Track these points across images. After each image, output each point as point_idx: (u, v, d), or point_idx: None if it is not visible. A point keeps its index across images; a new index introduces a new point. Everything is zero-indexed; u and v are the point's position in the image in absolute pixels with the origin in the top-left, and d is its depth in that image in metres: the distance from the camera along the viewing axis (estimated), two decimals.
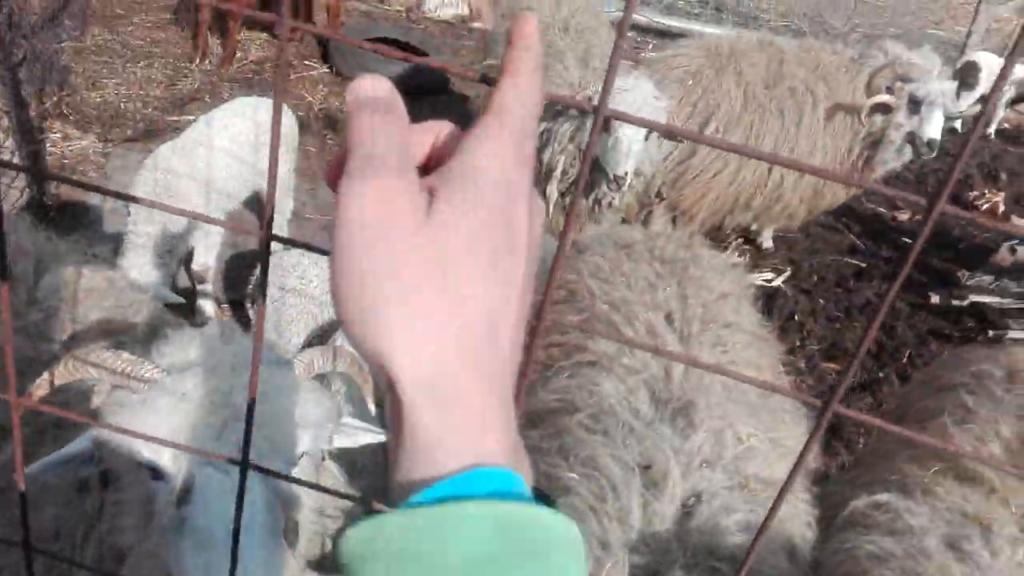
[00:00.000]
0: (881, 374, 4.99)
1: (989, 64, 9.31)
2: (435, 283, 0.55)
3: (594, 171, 4.42)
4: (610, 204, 4.54)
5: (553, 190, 4.53)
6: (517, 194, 0.61)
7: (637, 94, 4.22)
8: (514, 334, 0.61)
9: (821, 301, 5.73)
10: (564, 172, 4.50)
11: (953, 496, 2.29)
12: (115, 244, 4.41)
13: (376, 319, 0.55)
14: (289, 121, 4.63)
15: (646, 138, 4.27)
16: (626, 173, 4.17)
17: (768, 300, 5.64)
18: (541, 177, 4.60)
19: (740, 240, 6.36)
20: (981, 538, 2.12)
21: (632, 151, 4.18)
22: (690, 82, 5.15)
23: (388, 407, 0.59)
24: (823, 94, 5.26)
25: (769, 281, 5.85)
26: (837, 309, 5.67)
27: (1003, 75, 0.62)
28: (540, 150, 4.57)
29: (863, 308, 5.71)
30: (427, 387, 0.55)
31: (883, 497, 2.38)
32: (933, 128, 5.02)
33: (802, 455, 0.78)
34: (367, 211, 0.55)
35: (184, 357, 1.57)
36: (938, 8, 15.34)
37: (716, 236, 6.09)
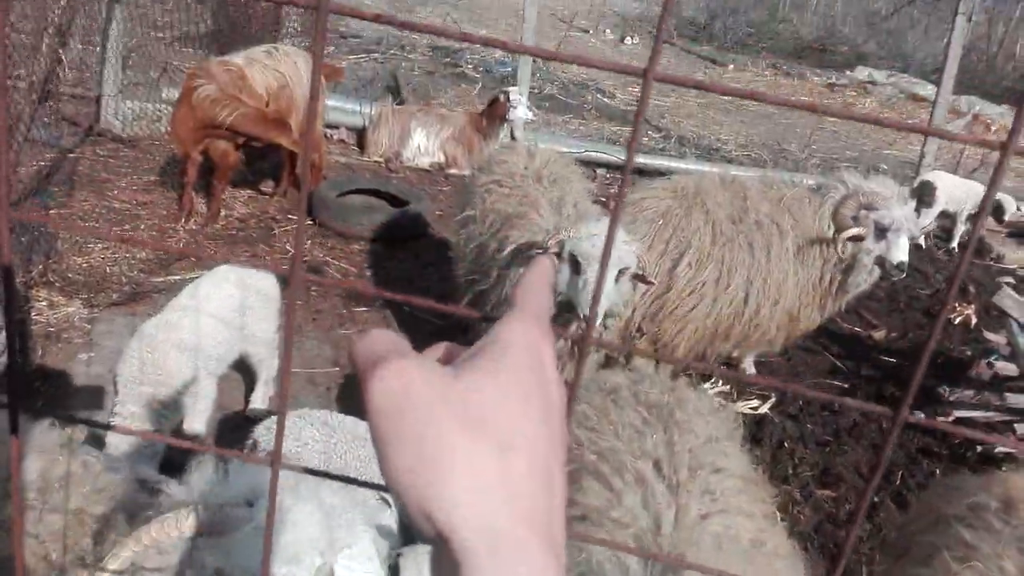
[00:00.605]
0: (876, 498, 4.96)
1: (943, 182, 9.75)
2: (477, 434, 0.56)
3: (567, 312, 4.52)
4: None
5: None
6: (544, 359, 0.65)
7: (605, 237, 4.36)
8: (562, 475, 0.62)
9: (809, 426, 5.75)
10: None
11: None
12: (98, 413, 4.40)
13: (426, 477, 0.55)
14: (270, 283, 4.73)
15: (616, 280, 4.39)
16: (595, 314, 4.24)
17: (756, 428, 5.65)
18: None
19: (723, 368, 6.43)
20: None
21: (601, 295, 4.27)
22: (660, 222, 5.35)
23: (436, 567, 0.57)
24: (789, 225, 5.48)
25: (755, 408, 5.89)
26: (826, 433, 5.69)
27: (983, 206, 0.70)
28: None
29: (851, 430, 5.73)
30: (486, 540, 0.53)
31: None
32: (900, 252, 5.21)
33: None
34: (392, 383, 0.57)
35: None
36: (891, 131, 16.15)
37: (698, 366, 6.17)
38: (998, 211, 10.59)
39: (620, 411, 3.00)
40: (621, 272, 4.45)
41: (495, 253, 4.93)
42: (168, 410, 3.93)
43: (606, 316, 4.49)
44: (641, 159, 11.28)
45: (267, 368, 4.80)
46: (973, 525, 2.72)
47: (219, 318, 4.29)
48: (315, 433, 3.49)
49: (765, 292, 5.50)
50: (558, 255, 4.50)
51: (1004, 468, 4.85)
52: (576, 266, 4.42)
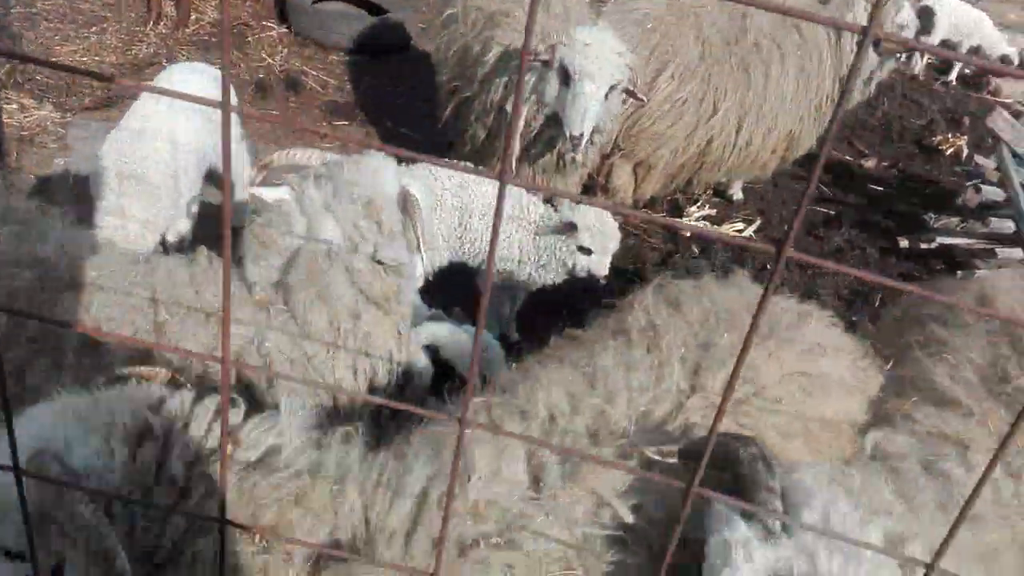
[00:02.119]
0: (855, 319, 5.04)
1: (945, 8, 9.37)
2: None
3: (554, 128, 4.38)
4: (572, 161, 4.51)
5: (516, 142, 4.48)
6: None
7: (600, 48, 4.15)
8: None
9: (792, 249, 5.75)
10: (527, 125, 4.44)
11: (932, 420, 2.33)
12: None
13: None
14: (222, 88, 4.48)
15: (606, 96, 4.21)
16: (582, 133, 4.12)
17: (740, 251, 5.66)
18: (503, 128, 4.54)
19: (710, 193, 6.37)
20: (957, 457, 2.16)
21: (590, 110, 4.11)
22: (649, 25, 5.04)
23: None
24: (794, 44, 5.24)
25: (740, 231, 5.88)
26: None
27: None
28: (502, 101, 4.51)
29: (834, 255, 5.77)
30: None
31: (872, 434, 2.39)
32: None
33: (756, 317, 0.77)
34: None
35: None
36: None
37: (686, 192, 6.10)
38: (1004, 62, 10.22)
39: None
40: (612, 88, 4.27)
41: (479, 56, 4.69)
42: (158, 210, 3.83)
43: (593, 133, 4.35)
44: None
45: (242, 174, 4.67)
46: (947, 322, 2.75)
47: (195, 114, 4.12)
48: None
49: (759, 119, 5.32)
50: (546, 63, 4.29)
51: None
52: (566, 78, 4.21)
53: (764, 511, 1.53)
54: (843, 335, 2.56)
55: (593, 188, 5.56)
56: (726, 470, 1.68)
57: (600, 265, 4.00)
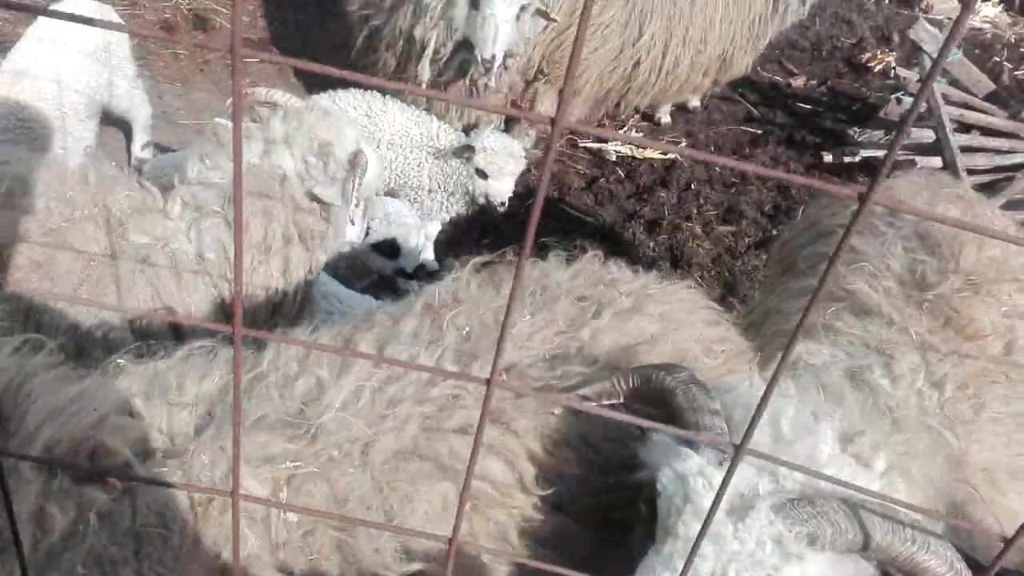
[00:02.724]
0: (775, 231, 5.05)
1: None
2: None
3: (466, 52, 4.22)
4: (485, 86, 4.37)
5: (425, 69, 4.32)
6: None
7: None
8: None
9: (718, 170, 5.73)
10: (436, 51, 4.28)
11: (854, 330, 2.27)
12: None
13: None
14: (115, 18, 4.21)
15: (517, 17, 4.07)
16: (493, 56, 3.98)
17: (665, 172, 5.61)
18: (414, 55, 4.37)
19: (637, 117, 6.28)
20: (882, 366, 2.07)
21: (501, 32, 3.98)
22: None
23: None
24: None
25: (664, 154, 5.81)
26: (734, 175, 5.69)
27: None
28: (412, 27, 4.33)
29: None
30: None
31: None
32: None
33: None
34: None
35: None
36: None
37: (614, 115, 6.00)
38: None
39: None
40: (522, 8, 4.12)
41: None
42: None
43: (506, 57, 4.21)
44: None
45: (140, 114, 4.44)
46: (859, 231, 2.71)
47: (82, 54, 3.86)
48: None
49: (687, 42, 5.23)
50: None
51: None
52: (475, 0, 4.06)
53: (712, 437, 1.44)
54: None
55: (513, 118, 5.43)
56: (659, 405, 1.61)
57: (496, 190, 3.89)
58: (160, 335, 2.56)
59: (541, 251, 2.23)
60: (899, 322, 2.09)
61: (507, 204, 4.04)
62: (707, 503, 1.34)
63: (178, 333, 2.59)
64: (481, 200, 3.97)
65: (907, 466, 1.43)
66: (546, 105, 5.36)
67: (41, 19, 4.01)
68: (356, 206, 2.95)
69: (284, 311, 2.70)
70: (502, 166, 3.81)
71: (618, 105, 5.75)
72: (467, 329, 1.79)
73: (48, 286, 2.41)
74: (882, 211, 2.76)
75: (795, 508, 1.29)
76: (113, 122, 4.55)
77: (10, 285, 2.34)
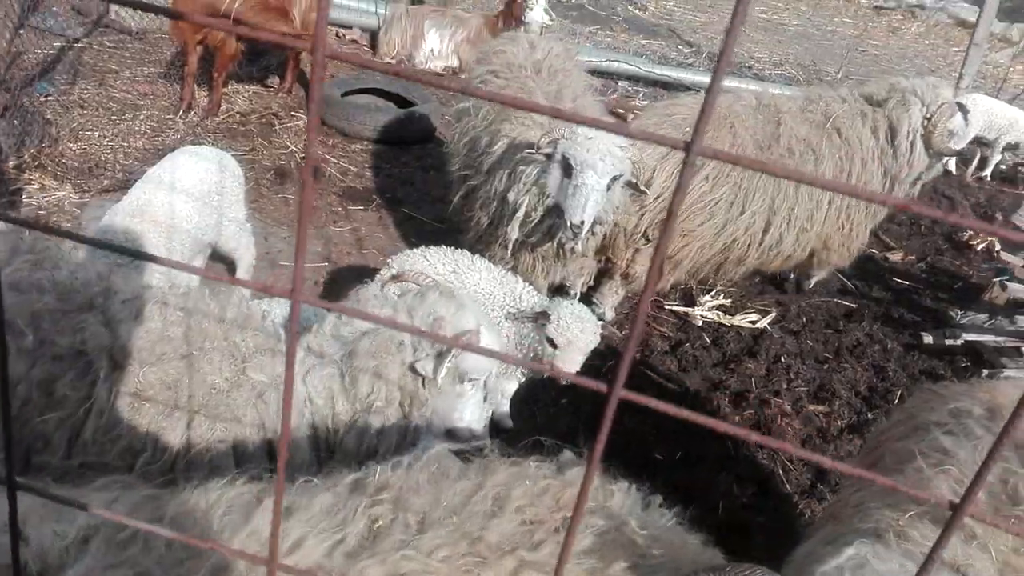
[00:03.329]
0: (871, 415, 4.81)
1: (979, 106, 9.26)
2: None
3: (555, 217, 4.35)
4: (572, 250, 4.46)
5: (514, 230, 4.45)
6: None
7: (602, 142, 4.17)
8: None
9: (809, 343, 5.57)
10: (527, 215, 4.42)
11: (929, 541, 2.11)
12: None
13: None
14: (236, 164, 4.57)
15: (608, 187, 4.19)
16: (582, 222, 4.09)
17: (753, 342, 5.49)
18: (506, 216, 4.52)
19: (725, 283, 6.24)
20: None
21: (591, 200, 4.10)
22: (687, 129, 5.11)
23: None
24: (832, 147, 5.25)
25: (753, 323, 5.71)
26: (826, 351, 5.51)
27: None
28: (507, 191, 4.50)
29: (853, 349, 5.54)
30: None
31: (850, 550, 2.19)
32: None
33: None
34: None
35: None
36: (934, 56, 15.44)
37: (702, 282, 5.98)
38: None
39: None
40: (614, 179, 4.26)
41: (487, 147, 4.72)
42: None
43: (594, 223, 4.33)
44: (669, 72, 10.85)
45: (245, 255, 4.69)
46: (953, 431, 2.54)
47: (195, 197, 4.16)
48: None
49: (791, 220, 5.30)
50: (549, 156, 4.30)
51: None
52: (568, 170, 4.21)
53: None
54: None
55: (609, 272, 5.49)
56: None
57: (564, 362, 3.85)
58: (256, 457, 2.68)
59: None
60: (980, 538, 1.92)
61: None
62: None
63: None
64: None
65: None
66: (644, 266, 5.42)
67: (162, 162, 4.37)
68: (463, 383, 2.91)
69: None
70: (571, 340, 3.80)
71: (717, 272, 5.75)
72: (378, 524, 1.66)
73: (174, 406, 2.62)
74: (980, 414, 2.60)
75: None
76: (220, 259, 4.83)
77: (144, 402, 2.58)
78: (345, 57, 0.76)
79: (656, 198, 5.09)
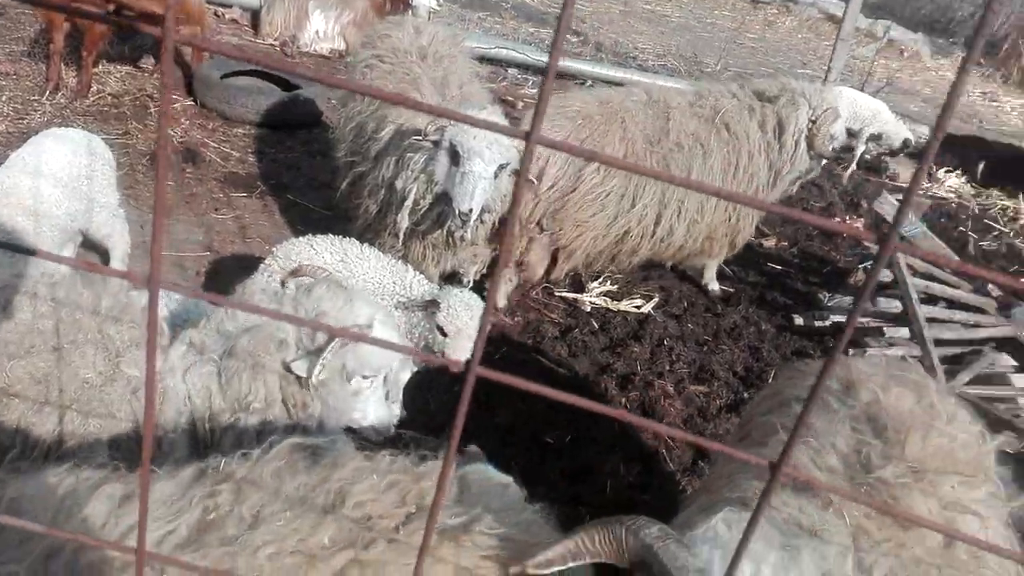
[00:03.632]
0: (747, 394, 5.05)
1: (845, 99, 9.81)
2: None
3: (444, 204, 4.36)
4: (462, 239, 4.48)
5: (404, 218, 4.43)
6: None
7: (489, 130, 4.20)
8: None
9: (690, 326, 5.79)
10: (416, 203, 4.41)
11: (789, 508, 2.25)
12: None
13: None
14: (102, 149, 4.36)
15: (496, 175, 4.24)
16: (470, 210, 4.12)
17: (638, 326, 5.67)
18: (394, 204, 4.49)
19: (612, 270, 6.40)
20: (811, 549, 2.07)
21: (478, 188, 4.14)
22: (579, 122, 5.19)
23: None
24: (720, 141, 5.43)
25: (639, 308, 5.89)
26: (706, 333, 5.75)
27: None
28: (395, 178, 4.47)
29: (730, 332, 5.81)
30: None
31: (717, 516, 2.31)
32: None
33: None
34: None
35: None
36: (806, 49, 16.21)
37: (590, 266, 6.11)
38: (905, 145, 10.74)
39: None
40: (501, 167, 4.30)
41: (373, 133, 4.68)
42: None
43: (482, 212, 4.36)
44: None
45: (119, 243, 4.49)
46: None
47: (63, 182, 3.95)
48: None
49: (682, 213, 5.46)
50: (436, 143, 4.30)
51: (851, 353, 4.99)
52: (455, 157, 4.22)
53: None
54: None
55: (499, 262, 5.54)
56: (638, 566, 1.58)
57: (454, 349, 3.88)
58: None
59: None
60: (836, 503, 2.07)
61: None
62: None
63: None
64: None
65: None
66: (537, 255, 5.48)
67: (26, 145, 4.13)
68: (359, 381, 2.81)
69: None
70: (461, 328, 3.83)
71: (612, 262, 5.88)
72: (212, 516, 1.64)
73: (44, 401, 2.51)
74: (837, 389, 2.78)
75: None
76: (94, 247, 4.60)
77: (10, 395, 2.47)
78: (198, 44, 0.75)
79: (550, 188, 5.17)
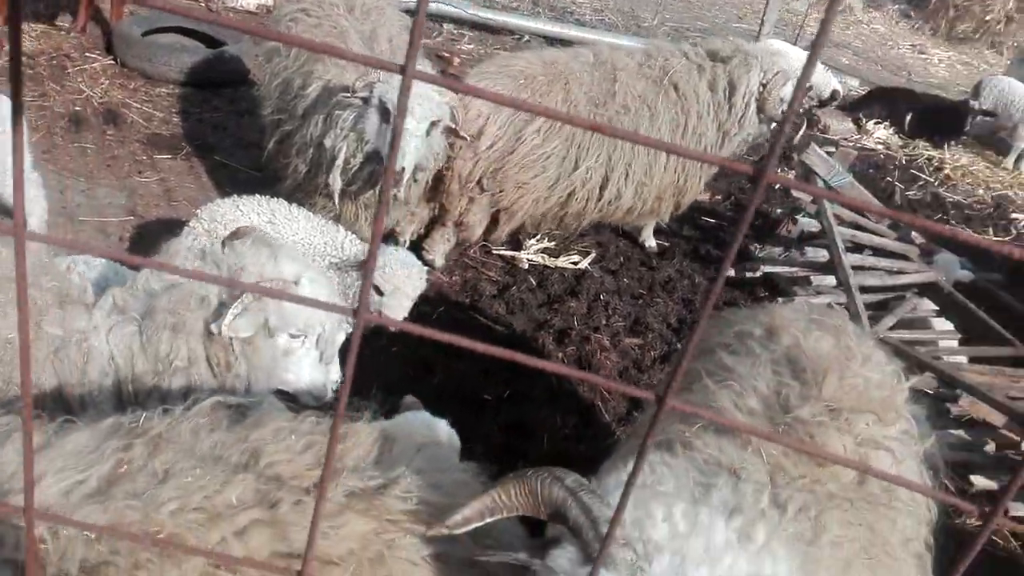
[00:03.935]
0: (680, 345, 5.14)
1: (773, 48, 9.93)
2: None
3: (375, 163, 4.29)
4: (395, 198, 4.42)
5: (336, 179, 4.35)
6: None
7: (419, 86, 4.13)
8: None
9: (625, 280, 5.85)
10: (347, 161, 4.32)
11: (710, 449, 2.31)
12: None
13: None
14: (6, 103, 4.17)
15: (428, 132, 4.18)
16: (403, 169, 4.06)
17: (575, 282, 5.70)
18: (324, 164, 4.40)
19: (549, 229, 6.41)
20: (729, 486, 2.12)
21: (411, 146, 4.08)
22: (521, 81, 5.13)
23: None
24: (668, 102, 5.40)
25: (576, 263, 5.92)
26: (641, 287, 5.81)
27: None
28: (323, 136, 4.38)
29: (665, 285, 5.88)
30: None
31: (630, 461, 2.36)
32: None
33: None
34: None
35: None
36: (741, 3, 16.30)
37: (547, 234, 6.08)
38: (833, 96, 10.93)
39: None
40: (433, 124, 4.24)
41: (300, 90, 4.56)
42: None
43: (416, 170, 4.30)
44: (493, 16, 10.82)
45: (35, 208, 4.32)
46: (736, 351, 2.77)
47: None
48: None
49: (629, 175, 5.45)
50: (366, 100, 4.21)
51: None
52: (386, 115, 4.15)
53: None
54: None
55: (441, 220, 5.47)
56: (553, 516, 1.61)
57: (391, 308, 3.86)
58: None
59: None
60: (755, 443, 2.13)
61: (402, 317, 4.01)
62: None
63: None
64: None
65: None
66: (477, 216, 5.43)
67: None
68: (288, 341, 2.76)
69: None
70: (398, 286, 3.80)
71: (559, 226, 5.85)
72: (124, 469, 1.63)
73: None
74: (760, 334, 2.84)
75: None
76: (8, 212, 4.42)
77: None
78: None
79: (489, 147, 5.12)
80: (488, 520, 1.64)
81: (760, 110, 5.61)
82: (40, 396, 2.56)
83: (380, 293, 3.84)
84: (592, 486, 1.62)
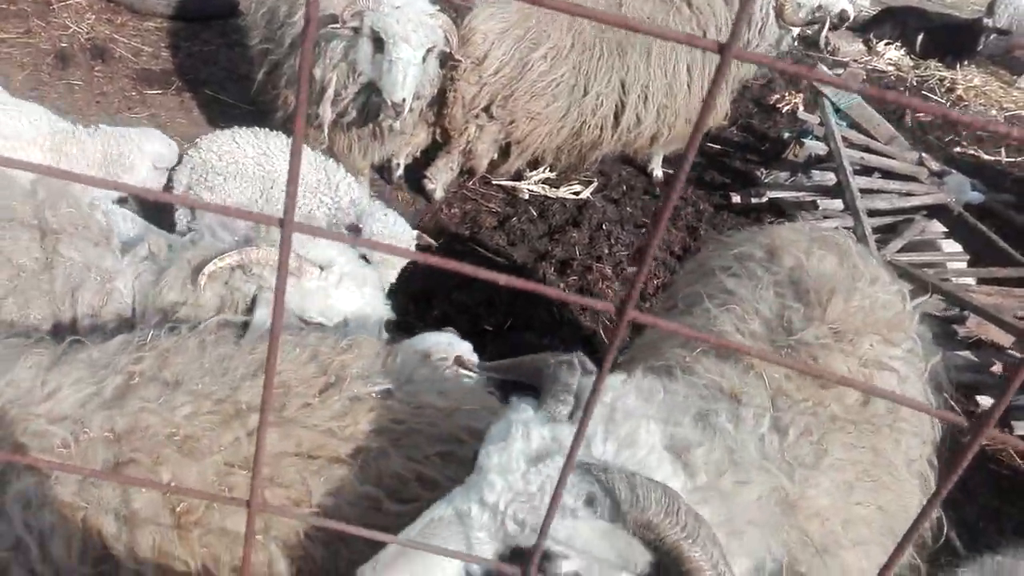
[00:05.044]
0: (673, 275, 5.06)
1: None
2: None
3: (372, 96, 4.17)
4: (391, 129, 4.31)
5: (327, 110, 4.23)
6: None
7: (411, 11, 3.99)
8: None
9: (628, 209, 5.75)
10: (337, 93, 4.20)
11: (711, 373, 2.25)
12: None
13: None
14: None
15: (424, 59, 4.05)
16: (403, 100, 3.95)
17: (577, 212, 5.60)
18: (314, 94, 4.28)
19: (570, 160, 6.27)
20: (728, 410, 2.08)
21: (409, 76, 3.96)
22: (527, 9, 4.95)
23: None
24: (682, 20, 5.23)
25: (577, 194, 5.81)
26: (644, 216, 5.72)
27: None
28: (311, 66, 4.24)
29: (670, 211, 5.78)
30: None
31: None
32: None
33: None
34: None
35: None
36: None
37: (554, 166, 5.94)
38: (842, 17, 10.59)
39: None
40: (428, 50, 4.11)
41: (287, 18, 4.40)
42: None
43: (414, 99, 4.19)
44: None
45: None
46: (737, 274, 2.70)
47: None
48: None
49: (649, 98, 5.29)
50: (356, 30, 4.07)
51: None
52: (379, 44, 4.01)
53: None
54: None
55: (447, 147, 5.33)
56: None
57: (380, 274, 3.79)
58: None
59: None
60: (757, 367, 2.07)
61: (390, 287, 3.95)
62: (517, 445, 1.47)
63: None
64: None
65: (732, 512, 1.44)
66: (485, 145, 5.30)
67: None
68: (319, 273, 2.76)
69: None
70: (385, 255, 3.71)
71: (583, 160, 5.69)
72: (135, 380, 1.71)
73: None
74: (761, 256, 2.76)
75: (587, 470, 1.38)
76: None
77: None
78: None
79: (495, 72, 4.97)
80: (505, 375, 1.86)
81: (779, 16, 5.43)
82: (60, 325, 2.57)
83: (368, 261, 3.77)
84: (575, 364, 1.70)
